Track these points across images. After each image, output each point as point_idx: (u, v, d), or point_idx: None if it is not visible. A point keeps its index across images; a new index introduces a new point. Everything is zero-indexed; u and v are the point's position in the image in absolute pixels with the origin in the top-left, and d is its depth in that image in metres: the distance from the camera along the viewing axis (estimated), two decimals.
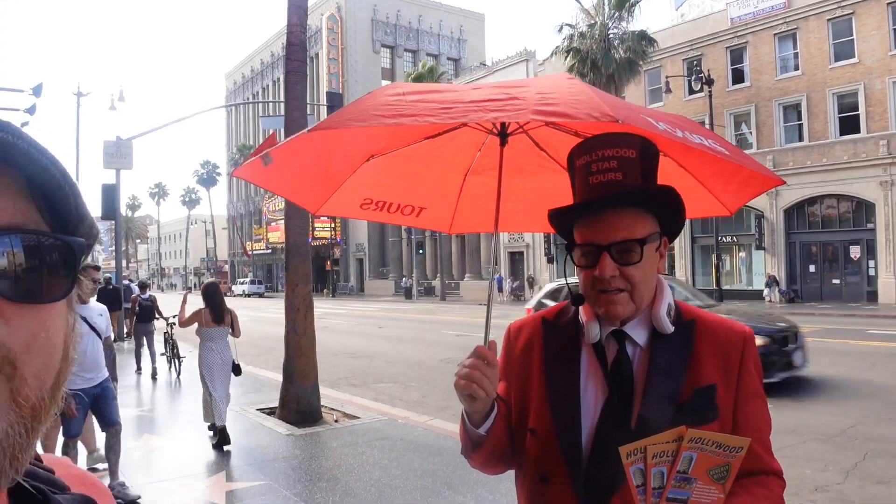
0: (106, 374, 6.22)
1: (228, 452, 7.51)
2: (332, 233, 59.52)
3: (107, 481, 6.02)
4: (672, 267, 36.07)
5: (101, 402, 6.13)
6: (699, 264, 35.16)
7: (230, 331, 8.29)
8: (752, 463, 1.48)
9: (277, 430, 8.49)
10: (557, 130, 2.22)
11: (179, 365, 13.98)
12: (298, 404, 8.94)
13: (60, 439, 6.30)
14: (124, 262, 36.13)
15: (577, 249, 1.57)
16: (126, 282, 22.55)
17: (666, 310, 1.58)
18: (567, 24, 34.50)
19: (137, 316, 14.41)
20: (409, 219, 2.63)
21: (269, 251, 68.90)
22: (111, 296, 16.87)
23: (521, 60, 43.26)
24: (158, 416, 9.88)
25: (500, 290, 42.38)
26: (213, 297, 8.29)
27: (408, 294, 48.72)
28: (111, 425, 6.20)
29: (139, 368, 14.37)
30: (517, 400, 1.71)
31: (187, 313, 8.58)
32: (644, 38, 33.14)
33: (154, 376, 13.70)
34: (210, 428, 8.17)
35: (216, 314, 8.16)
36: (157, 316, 14.83)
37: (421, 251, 50.54)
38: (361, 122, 1.69)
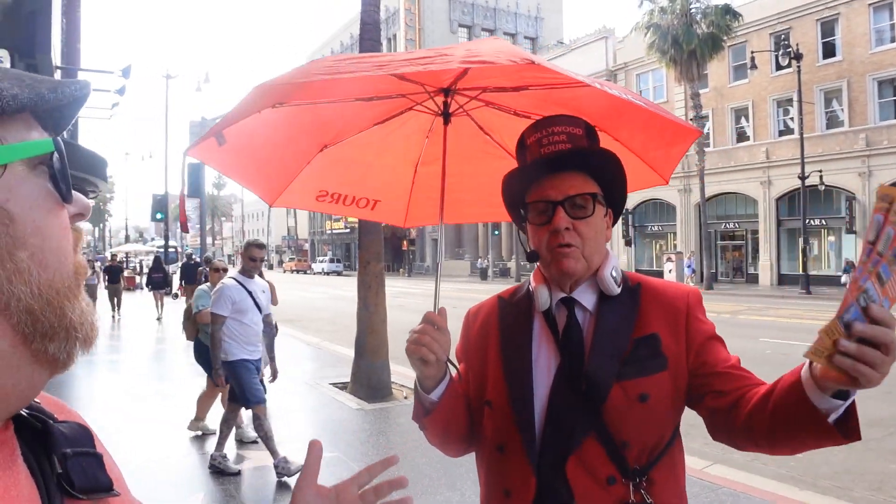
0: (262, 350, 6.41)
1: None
2: None
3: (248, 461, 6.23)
4: (756, 251, 34.91)
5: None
6: (785, 248, 33.89)
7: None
8: (743, 381, 1.51)
9: (348, 404, 8.70)
10: (500, 113, 2.28)
11: None
12: (369, 380, 9.12)
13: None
14: (209, 239, 37.55)
15: (532, 208, 1.65)
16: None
17: (611, 271, 1.64)
18: (648, 0, 33.56)
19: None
20: (364, 212, 2.66)
21: (348, 230, 69.99)
22: (192, 270, 18.75)
23: (599, 38, 42.40)
24: None
25: None
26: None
27: (483, 275, 48.77)
28: (241, 403, 6.25)
29: None
30: (475, 378, 1.76)
31: None
32: (728, 12, 31.92)
33: None
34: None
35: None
36: None
37: (497, 232, 50.43)
38: (302, 78, 1.78)
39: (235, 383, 6.12)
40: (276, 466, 6.01)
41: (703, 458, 6.15)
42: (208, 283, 7.46)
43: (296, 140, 2.34)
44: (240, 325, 6.11)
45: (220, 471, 6.11)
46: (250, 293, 6.17)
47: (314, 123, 2.29)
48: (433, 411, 1.67)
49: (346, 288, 34.38)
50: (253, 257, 6.27)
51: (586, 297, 1.66)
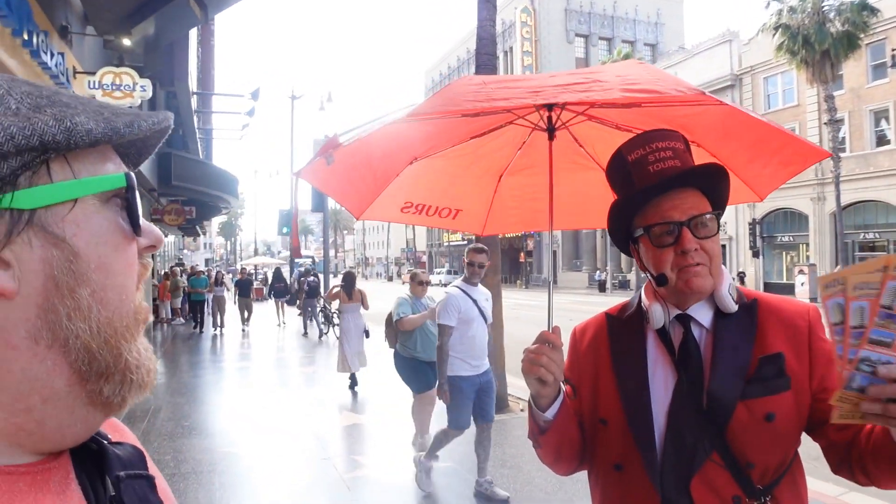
0: (488, 363, 6.12)
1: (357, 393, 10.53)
2: None
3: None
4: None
5: (482, 394, 5.93)
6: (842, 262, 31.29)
7: (360, 305, 11.35)
8: None
9: None
10: (597, 126, 2.21)
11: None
12: None
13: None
14: (332, 252, 38.89)
15: (655, 230, 1.60)
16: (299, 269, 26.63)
17: (727, 288, 1.61)
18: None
19: (306, 293, 20.19)
20: (446, 221, 2.65)
21: (465, 242, 70.48)
22: (313, 287, 19.93)
23: (723, 42, 40.85)
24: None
25: None
26: (349, 282, 11.58)
27: (601, 287, 47.88)
28: (486, 420, 5.96)
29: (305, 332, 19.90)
30: (588, 396, 1.73)
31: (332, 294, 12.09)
32: (865, 8, 29.95)
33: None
34: (350, 377, 11.07)
35: (348, 293, 11.42)
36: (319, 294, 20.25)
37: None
38: (454, 106, 1.75)
39: (451, 399, 5.81)
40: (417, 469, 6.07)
41: (839, 484, 5.76)
42: (409, 291, 7.33)
43: (389, 155, 2.36)
44: (463, 336, 5.81)
45: (486, 497, 5.78)
46: (475, 302, 5.88)
47: (413, 138, 2.29)
48: (548, 430, 1.66)
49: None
50: (471, 262, 5.88)
51: (702, 314, 1.62)
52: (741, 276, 38.11)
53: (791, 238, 38.43)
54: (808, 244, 36.84)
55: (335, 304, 13.94)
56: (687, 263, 1.55)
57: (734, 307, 1.60)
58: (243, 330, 20.97)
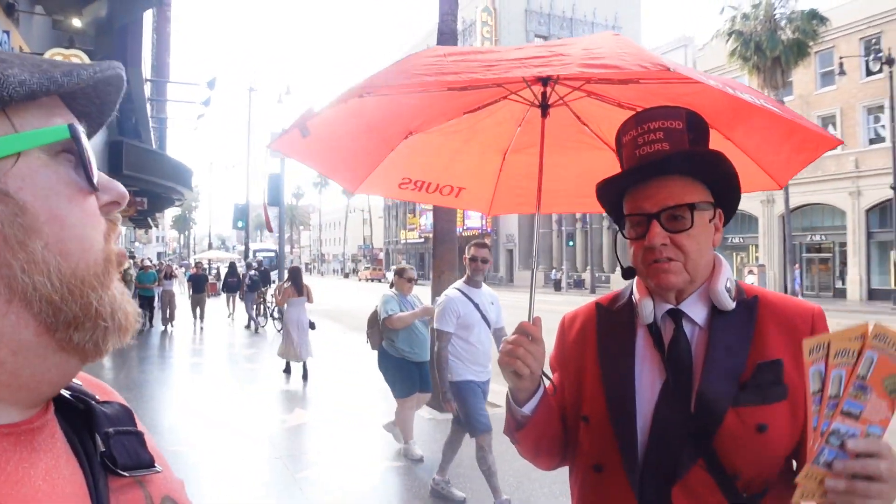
0: (491, 371, 5.59)
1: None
2: (483, 223, 60.03)
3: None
4: (844, 265, 33.44)
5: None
6: (875, 262, 32.32)
7: (306, 299, 11.75)
8: None
9: (421, 414, 8.66)
10: (599, 103, 2.14)
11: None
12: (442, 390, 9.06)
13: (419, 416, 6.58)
14: (288, 248, 38.54)
15: (627, 220, 1.52)
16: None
17: (724, 284, 1.49)
18: (730, 6, 32.67)
19: (247, 287, 20.85)
20: (448, 199, 2.58)
21: (422, 240, 70.49)
22: (263, 277, 20.58)
23: (678, 46, 41.58)
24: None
25: None
26: (297, 277, 11.94)
27: (557, 286, 48.28)
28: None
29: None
30: (571, 390, 1.66)
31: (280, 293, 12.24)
32: (815, 17, 30.73)
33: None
34: (286, 364, 11.73)
35: (297, 288, 11.70)
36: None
37: (571, 243, 49.93)
38: (405, 79, 1.69)
39: (460, 407, 5.46)
40: None
41: None
42: (395, 289, 6.91)
43: (380, 128, 2.28)
44: (465, 342, 5.39)
45: (442, 496, 5.69)
46: (477, 306, 5.42)
47: (401, 111, 2.22)
48: (526, 425, 1.59)
49: (421, 297, 34.45)
50: (474, 258, 5.42)
51: (696, 311, 1.51)
52: None
53: (741, 239, 39.28)
54: (757, 245, 37.70)
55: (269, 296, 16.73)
56: (654, 258, 1.46)
57: (731, 304, 1.49)
58: (199, 328, 20.11)
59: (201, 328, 20.10)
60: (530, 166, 2.08)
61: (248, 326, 20.44)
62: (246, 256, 34.82)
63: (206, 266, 24.48)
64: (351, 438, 7.56)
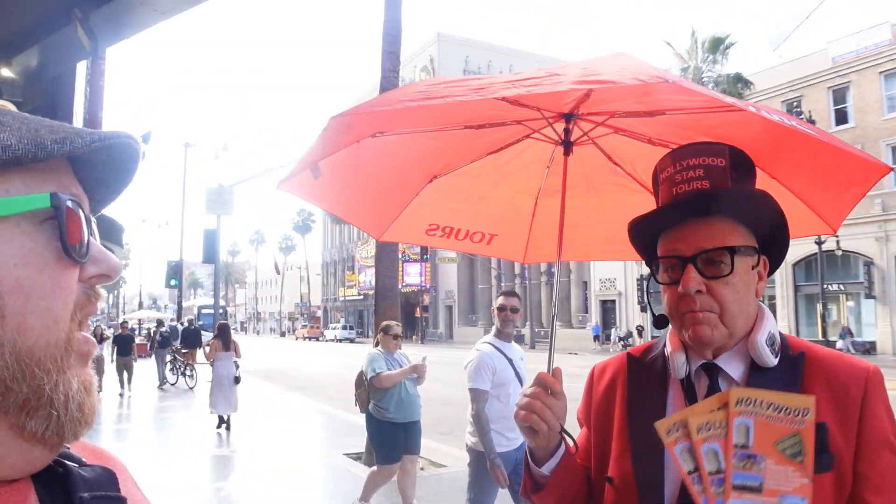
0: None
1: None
2: (422, 279, 60.04)
3: None
4: (774, 316, 34.45)
5: (515, 476, 4.67)
6: (803, 314, 33.46)
7: (234, 354, 11.97)
8: None
9: (362, 476, 8.38)
10: (630, 141, 2.03)
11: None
12: None
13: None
14: (223, 304, 37.78)
15: (661, 263, 1.40)
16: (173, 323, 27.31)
17: (767, 338, 1.34)
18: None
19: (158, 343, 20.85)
20: (480, 247, 2.46)
21: (362, 297, 70.00)
22: (193, 335, 19.87)
23: None
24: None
25: (597, 338, 41.06)
26: (225, 333, 12.12)
27: None
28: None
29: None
30: (597, 446, 1.53)
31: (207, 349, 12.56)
32: (740, 81, 32.40)
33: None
34: (219, 418, 11.70)
35: (225, 344, 11.93)
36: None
37: None
38: (387, 106, 1.62)
39: (472, 475, 4.89)
40: None
41: None
42: (380, 346, 6.47)
43: (402, 170, 2.18)
44: (497, 402, 4.80)
45: None
46: (510, 361, 4.90)
47: (421, 153, 2.13)
48: (545, 486, 1.45)
49: (359, 355, 33.92)
50: (502, 307, 4.95)
51: (733, 366, 1.36)
52: (640, 330, 39.33)
53: None
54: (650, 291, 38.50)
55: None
56: (689, 308, 1.32)
57: (773, 361, 1.33)
58: (121, 395, 17.73)
59: (129, 395, 17.81)
60: (566, 211, 1.95)
61: (160, 386, 20.12)
62: (179, 316, 33.87)
63: (134, 326, 23.59)
64: (290, 499, 7.23)
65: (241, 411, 14.62)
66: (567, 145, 1.91)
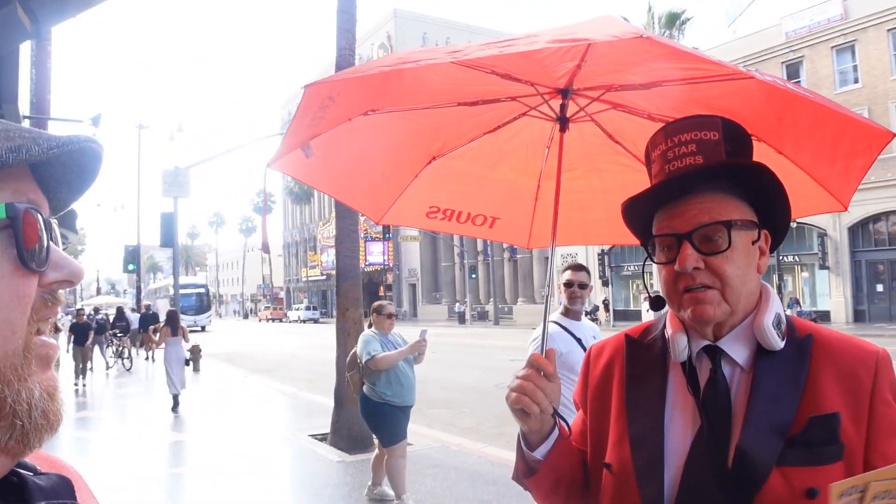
0: None
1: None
2: (385, 258, 59.87)
3: None
4: None
5: None
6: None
7: (182, 339, 13.41)
8: None
9: (329, 456, 8.41)
10: (629, 116, 1.97)
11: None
12: (350, 430, 8.84)
13: None
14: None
15: (657, 242, 1.34)
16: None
17: (773, 320, 1.28)
18: None
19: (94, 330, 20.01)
20: (482, 230, 2.39)
21: (324, 277, 69.55)
22: (151, 319, 22.01)
23: None
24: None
25: None
26: (173, 319, 13.64)
27: (461, 319, 48.53)
28: None
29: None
30: (594, 430, 1.48)
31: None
32: None
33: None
34: (173, 399, 12.62)
35: (173, 329, 13.39)
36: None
37: (473, 276, 50.39)
38: (361, 72, 1.59)
39: None
40: None
41: None
42: (374, 328, 6.23)
43: (399, 151, 2.12)
44: (568, 385, 4.45)
45: None
46: (579, 341, 4.45)
47: (417, 133, 2.06)
48: (538, 471, 1.42)
49: (323, 335, 33.98)
50: (569, 283, 4.53)
51: (737, 349, 1.31)
52: (606, 304, 39.72)
53: (636, 268, 40.64)
54: (652, 273, 39.12)
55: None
56: (687, 286, 1.28)
57: (779, 344, 1.28)
58: (77, 386, 16.92)
59: (84, 385, 17.05)
60: (568, 193, 1.91)
61: (107, 370, 20.78)
62: (138, 301, 33.39)
63: (91, 313, 23.16)
64: (253, 485, 7.19)
65: (205, 395, 14.67)
66: (563, 121, 1.86)
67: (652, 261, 1.38)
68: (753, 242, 1.32)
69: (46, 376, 0.65)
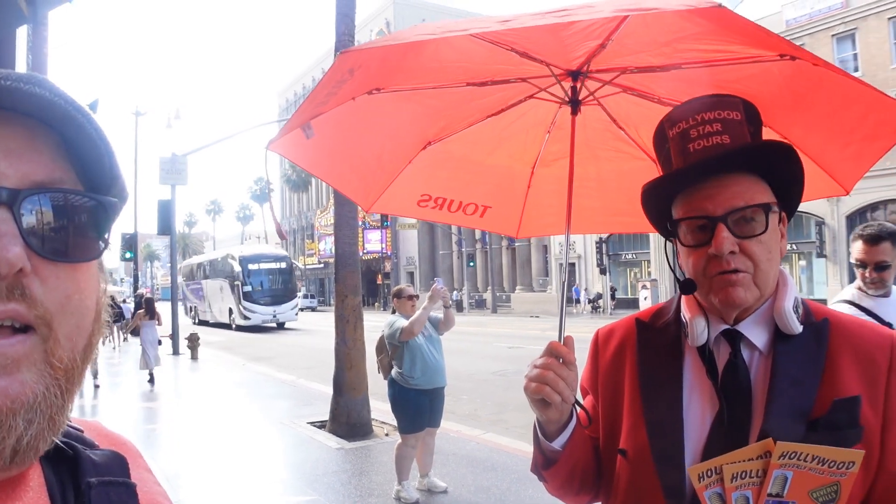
0: None
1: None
2: (383, 246, 59.84)
3: None
4: None
5: None
6: None
7: (156, 322, 15.24)
8: None
9: (327, 443, 8.42)
10: (637, 101, 1.93)
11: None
12: (349, 417, 8.86)
13: None
14: (180, 277, 36.97)
15: (685, 225, 1.30)
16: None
17: (792, 304, 1.28)
18: None
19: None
20: (473, 219, 2.34)
21: (322, 265, 69.49)
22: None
23: None
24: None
25: (578, 301, 41.06)
26: (150, 305, 15.49)
27: (458, 306, 48.54)
28: None
29: None
30: (606, 417, 1.46)
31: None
32: None
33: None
34: (149, 374, 14.44)
35: (150, 314, 15.16)
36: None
37: (471, 264, 50.41)
38: (404, 39, 1.51)
39: None
40: None
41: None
42: (398, 312, 6.29)
43: (396, 135, 2.06)
44: None
45: None
46: (891, 326, 3.23)
47: (417, 115, 2.00)
48: (556, 461, 1.39)
49: (321, 323, 33.99)
50: (863, 263, 3.44)
51: (756, 333, 1.30)
52: (613, 292, 39.69)
53: (634, 255, 40.75)
54: (649, 261, 39.17)
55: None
56: (721, 269, 1.25)
57: (798, 328, 1.27)
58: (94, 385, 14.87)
59: (96, 385, 14.72)
60: (561, 181, 1.87)
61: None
62: (135, 288, 33.34)
63: None
64: (253, 472, 7.20)
65: (204, 383, 14.73)
66: (575, 104, 1.81)
67: (672, 244, 1.36)
68: (779, 224, 1.31)
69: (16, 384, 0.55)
